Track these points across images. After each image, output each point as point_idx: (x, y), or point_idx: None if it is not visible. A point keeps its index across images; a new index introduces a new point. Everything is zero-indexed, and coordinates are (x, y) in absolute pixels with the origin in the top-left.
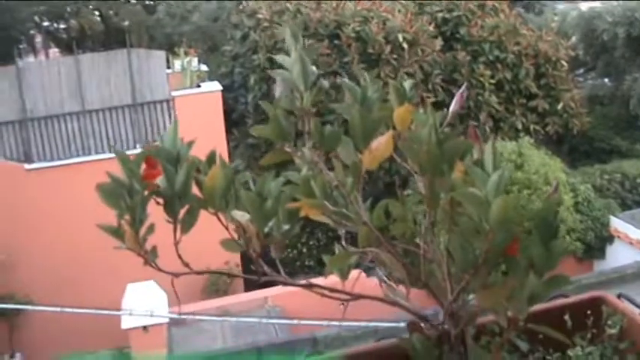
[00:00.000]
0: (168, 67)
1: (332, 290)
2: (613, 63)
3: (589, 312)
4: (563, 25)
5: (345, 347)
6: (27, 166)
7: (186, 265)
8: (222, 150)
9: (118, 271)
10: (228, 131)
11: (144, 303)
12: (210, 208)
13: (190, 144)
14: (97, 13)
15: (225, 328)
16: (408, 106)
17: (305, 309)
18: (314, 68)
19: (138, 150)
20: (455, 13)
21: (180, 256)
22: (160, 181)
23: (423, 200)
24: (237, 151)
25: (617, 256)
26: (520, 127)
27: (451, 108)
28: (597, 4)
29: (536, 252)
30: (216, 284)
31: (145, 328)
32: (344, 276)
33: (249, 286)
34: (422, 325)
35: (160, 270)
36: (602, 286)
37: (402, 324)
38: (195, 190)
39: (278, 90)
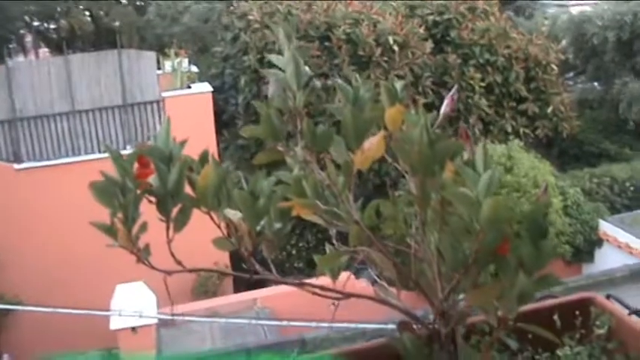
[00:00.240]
0: (159, 68)
1: (323, 289)
2: (603, 67)
3: (578, 312)
4: (554, 29)
5: (334, 348)
6: (16, 166)
7: (179, 263)
8: (213, 151)
9: (109, 271)
10: (218, 132)
11: (133, 304)
12: (202, 206)
13: (183, 143)
14: (87, 13)
15: (215, 329)
16: (399, 106)
17: (294, 310)
18: (307, 69)
19: (128, 151)
20: (445, 16)
21: (172, 254)
22: (152, 179)
23: (413, 201)
24: (227, 153)
25: (606, 260)
26: (510, 130)
27: (442, 110)
28: (587, 8)
29: (525, 251)
30: (205, 285)
31: (133, 329)
32: (335, 276)
33: (239, 288)
34: (412, 324)
35: (152, 267)
36: (590, 289)
37: (390, 325)
38: (187, 189)
39: (271, 89)
